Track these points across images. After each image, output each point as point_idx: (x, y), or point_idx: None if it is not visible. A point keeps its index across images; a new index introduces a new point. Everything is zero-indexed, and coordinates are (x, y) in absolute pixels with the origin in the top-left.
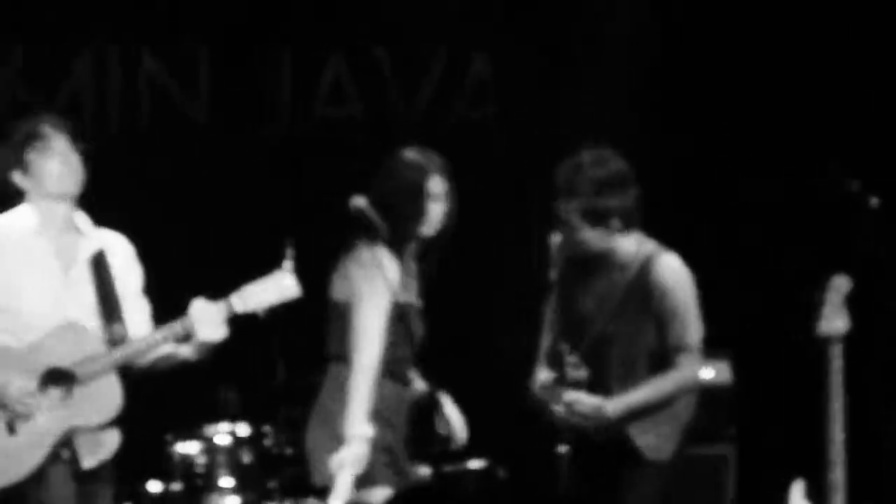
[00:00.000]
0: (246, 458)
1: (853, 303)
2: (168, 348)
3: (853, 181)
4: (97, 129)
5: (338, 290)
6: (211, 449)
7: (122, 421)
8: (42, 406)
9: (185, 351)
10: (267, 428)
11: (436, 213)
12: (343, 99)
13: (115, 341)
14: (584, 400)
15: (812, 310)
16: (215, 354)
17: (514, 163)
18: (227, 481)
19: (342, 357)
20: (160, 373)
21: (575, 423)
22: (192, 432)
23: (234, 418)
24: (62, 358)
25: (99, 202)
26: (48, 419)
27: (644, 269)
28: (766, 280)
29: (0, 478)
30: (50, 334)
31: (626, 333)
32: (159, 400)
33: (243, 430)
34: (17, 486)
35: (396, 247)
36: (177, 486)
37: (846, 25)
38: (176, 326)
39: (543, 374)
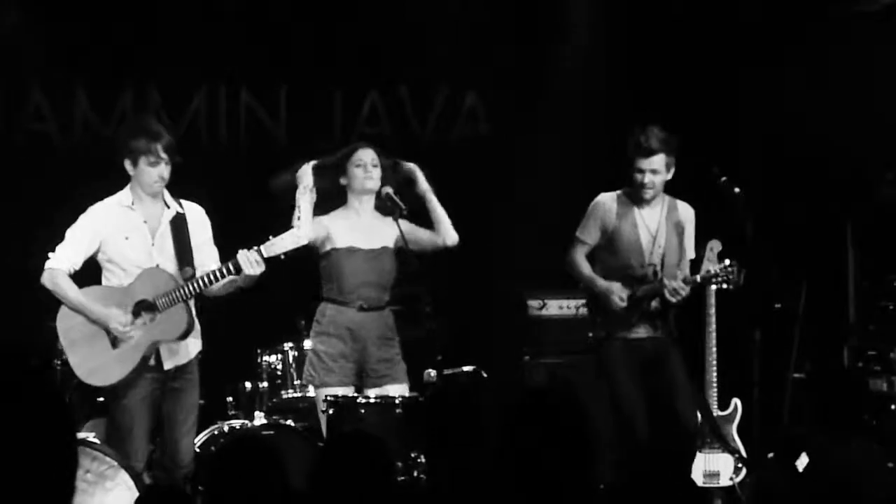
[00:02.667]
0: None
1: (723, 257)
2: (227, 280)
3: (723, 177)
4: (211, 145)
5: None
6: (286, 358)
7: (225, 341)
8: (135, 327)
9: (239, 281)
10: None
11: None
12: (377, 122)
13: (186, 278)
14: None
15: (698, 263)
16: (290, 294)
17: (498, 166)
18: (296, 379)
19: None
20: (228, 295)
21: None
22: (273, 347)
23: (301, 337)
24: (148, 293)
25: (216, 195)
26: (139, 336)
27: (672, 205)
28: None
29: (106, 377)
30: (139, 276)
31: (673, 245)
32: (253, 325)
33: (308, 345)
34: (115, 385)
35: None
36: (263, 385)
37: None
38: (228, 266)
39: (580, 258)
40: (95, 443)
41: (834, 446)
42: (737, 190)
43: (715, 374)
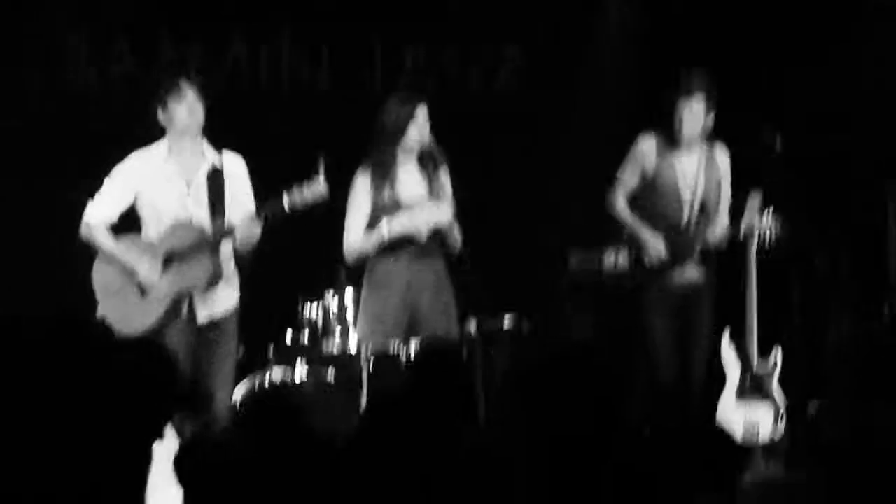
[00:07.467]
0: (351, 315)
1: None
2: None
3: (765, 131)
4: (252, 93)
5: None
6: (327, 309)
7: (266, 292)
8: (162, 276)
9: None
10: None
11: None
12: (419, 74)
13: (217, 230)
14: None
15: (739, 215)
16: (332, 245)
17: (540, 119)
18: (337, 331)
19: None
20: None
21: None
22: (316, 297)
23: (342, 287)
24: (178, 243)
25: (256, 143)
26: (165, 286)
27: (710, 151)
28: None
29: (134, 326)
30: (171, 227)
31: (711, 190)
32: (296, 274)
33: (350, 295)
34: (145, 334)
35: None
36: (304, 335)
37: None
38: (231, 226)
39: (621, 200)
40: None
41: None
42: (778, 145)
43: (755, 326)
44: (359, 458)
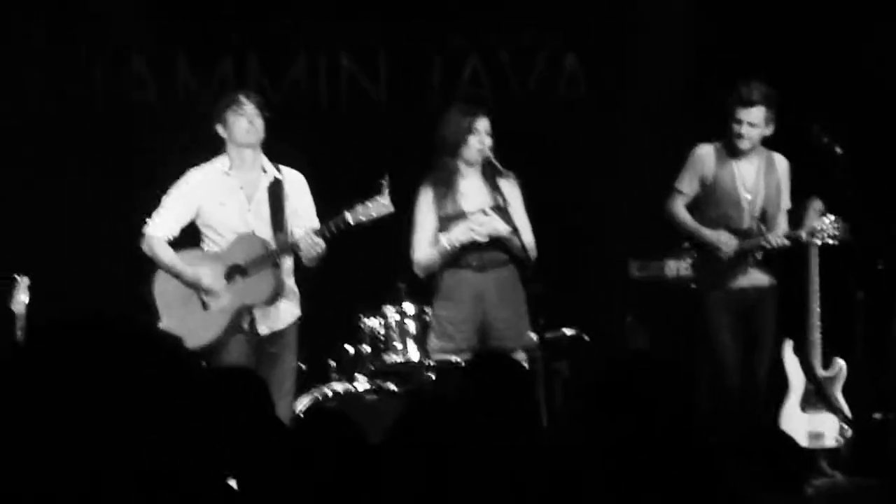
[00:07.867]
0: (412, 328)
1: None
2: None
3: (825, 136)
4: (311, 109)
5: None
6: (388, 322)
7: (326, 305)
8: (225, 290)
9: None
10: (427, 308)
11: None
12: (478, 84)
13: (280, 245)
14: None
15: (798, 223)
16: (392, 257)
17: (597, 127)
18: (398, 343)
19: None
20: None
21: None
22: (375, 310)
23: (403, 301)
24: (240, 258)
25: (316, 159)
26: (228, 299)
27: (769, 159)
28: None
29: (196, 339)
30: (234, 241)
31: (772, 198)
32: (355, 288)
33: (410, 309)
34: (207, 347)
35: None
36: (365, 348)
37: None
38: (296, 242)
39: (681, 208)
40: None
41: None
42: (838, 150)
43: (819, 334)
44: (395, 457)
